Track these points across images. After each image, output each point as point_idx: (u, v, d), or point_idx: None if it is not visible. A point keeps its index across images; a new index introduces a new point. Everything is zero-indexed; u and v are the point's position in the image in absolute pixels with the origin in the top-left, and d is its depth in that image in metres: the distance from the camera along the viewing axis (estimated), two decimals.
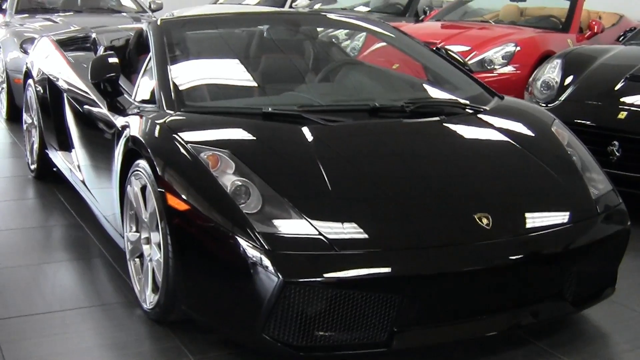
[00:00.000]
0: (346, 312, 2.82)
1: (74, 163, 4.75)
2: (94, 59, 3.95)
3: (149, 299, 3.38)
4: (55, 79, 5.07)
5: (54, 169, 5.27)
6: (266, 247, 2.80)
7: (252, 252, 2.81)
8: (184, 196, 3.06)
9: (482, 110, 3.87)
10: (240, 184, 3.00)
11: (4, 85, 7.56)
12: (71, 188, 4.93)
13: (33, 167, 5.64)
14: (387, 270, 2.86)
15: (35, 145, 5.49)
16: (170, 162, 3.22)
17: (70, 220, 4.79)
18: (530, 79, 6.11)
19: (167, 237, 3.13)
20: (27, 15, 8.35)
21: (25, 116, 5.82)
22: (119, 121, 3.79)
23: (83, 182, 4.54)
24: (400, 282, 2.87)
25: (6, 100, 7.58)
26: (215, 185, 3.01)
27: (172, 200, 3.09)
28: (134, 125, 3.54)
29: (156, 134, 3.37)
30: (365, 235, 2.92)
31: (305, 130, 3.39)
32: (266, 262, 2.77)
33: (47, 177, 5.52)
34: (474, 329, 3.07)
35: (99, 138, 4.18)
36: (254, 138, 3.34)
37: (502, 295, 3.11)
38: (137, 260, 3.59)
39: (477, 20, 8.96)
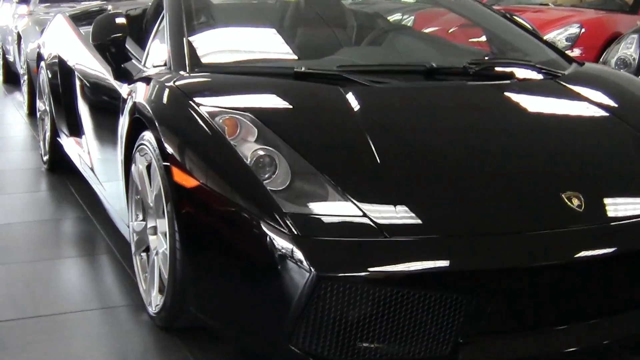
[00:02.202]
0: (398, 317, 2.17)
1: (84, 150, 4.17)
2: (97, 18, 3.35)
3: (155, 302, 2.76)
4: (65, 58, 4.51)
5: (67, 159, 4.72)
6: (295, 231, 2.16)
7: (277, 239, 2.17)
8: (192, 170, 2.44)
9: (560, 75, 3.18)
10: (263, 153, 2.36)
11: (26, 78, 7.06)
12: (84, 180, 4.39)
13: (45, 158, 5.10)
14: (453, 263, 2.20)
15: (48, 134, 4.94)
16: (177, 130, 2.60)
17: (81, 213, 4.29)
18: (602, 58, 5.45)
19: (173, 223, 2.51)
20: (50, 4, 7.85)
21: (38, 103, 5.30)
22: (124, 89, 3.19)
23: (92, 169, 3.95)
24: (469, 279, 2.20)
25: (27, 94, 7.07)
26: (232, 156, 2.39)
27: (179, 176, 2.47)
28: (140, 91, 2.94)
29: (164, 98, 2.75)
30: (425, 220, 2.27)
31: (347, 91, 2.74)
32: (295, 250, 2.13)
33: (60, 169, 5.00)
34: (560, 341, 2.39)
35: (107, 116, 3.59)
36: (283, 99, 2.70)
37: (595, 297, 2.43)
38: (143, 255, 2.98)
39: (533, 4, 8.26)
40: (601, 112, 2.93)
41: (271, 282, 2.19)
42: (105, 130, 3.61)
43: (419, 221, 2.26)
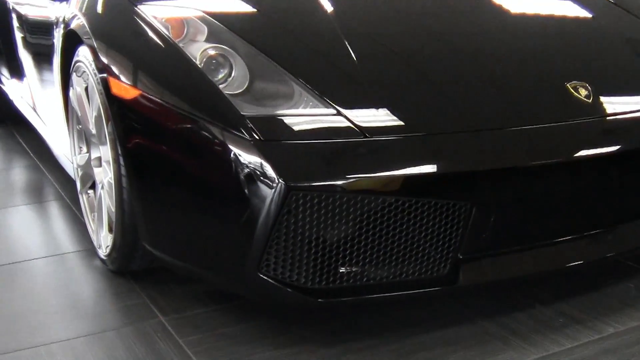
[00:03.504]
0: (386, 233, 1.82)
1: (26, 91, 3.76)
2: None
3: (105, 243, 2.39)
4: None
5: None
6: (256, 136, 1.79)
7: (234, 147, 1.80)
8: (132, 79, 2.06)
9: None
10: (215, 52, 1.99)
11: None
12: (32, 130, 4.00)
13: None
14: (448, 163, 1.85)
15: None
16: (113, 35, 2.22)
17: (29, 162, 3.93)
18: None
19: (115, 145, 2.13)
20: None
21: None
22: (56, 8, 2.77)
23: (35, 110, 3.55)
24: (469, 182, 1.85)
25: None
26: (178, 58, 2.00)
27: (118, 88, 2.09)
28: (73, 2, 2.53)
29: (98, 4, 2.35)
30: (412, 120, 1.91)
31: None
32: (257, 158, 1.76)
33: (6, 120, 4.59)
34: (568, 255, 2.08)
35: (46, 49, 3.17)
36: None
37: (608, 203, 2.12)
38: (90, 192, 2.61)
39: None
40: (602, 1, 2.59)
41: (232, 200, 1.83)
42: (45, 64, 3.20)
43: (403, 122, 1.90)
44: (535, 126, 1.96)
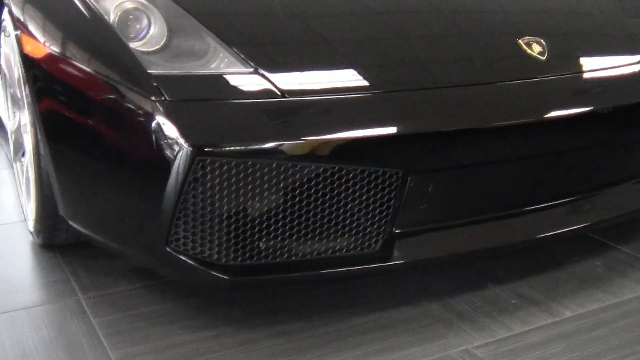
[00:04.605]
0: (307, 205, 1.64)
1: None
2: None
3: (32, 214, 2.23)
4: None
5: None
6: (163, 96, 1.61)
7: (140, 107, 1.62)
8: (41, 35, 1.88)
9: None
10: (131, 6, 1.80)
11: None
12: None
13: None
14: (378, 124, 1.65)
15: None
16: None
17: None
18: None
19: (32, 108, 1.96)
20: None
21: None
22: None
23: None
24: (401, 147, 1.66)
25: None
26: (91, 16, 1.81)
27: (29, 45, 1.92)
28: None
29: None
30: (340, 80, 1.72)
31: None
32: (163, 120, 1.58)
33: None
34: (522, 230, 1.90)
35: None
36: None
37: (565, 172, 1.93)
38: (23, 160, 2.43)
39: None
40: None
41: (139, 167, 1.65)
42: None
43: (328, 82, 1.71)
44: (479, 85, 1.77)
